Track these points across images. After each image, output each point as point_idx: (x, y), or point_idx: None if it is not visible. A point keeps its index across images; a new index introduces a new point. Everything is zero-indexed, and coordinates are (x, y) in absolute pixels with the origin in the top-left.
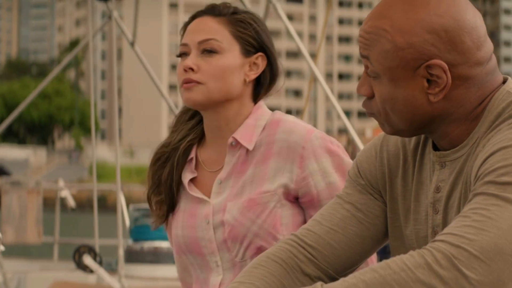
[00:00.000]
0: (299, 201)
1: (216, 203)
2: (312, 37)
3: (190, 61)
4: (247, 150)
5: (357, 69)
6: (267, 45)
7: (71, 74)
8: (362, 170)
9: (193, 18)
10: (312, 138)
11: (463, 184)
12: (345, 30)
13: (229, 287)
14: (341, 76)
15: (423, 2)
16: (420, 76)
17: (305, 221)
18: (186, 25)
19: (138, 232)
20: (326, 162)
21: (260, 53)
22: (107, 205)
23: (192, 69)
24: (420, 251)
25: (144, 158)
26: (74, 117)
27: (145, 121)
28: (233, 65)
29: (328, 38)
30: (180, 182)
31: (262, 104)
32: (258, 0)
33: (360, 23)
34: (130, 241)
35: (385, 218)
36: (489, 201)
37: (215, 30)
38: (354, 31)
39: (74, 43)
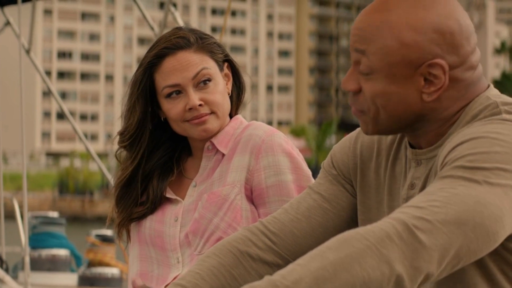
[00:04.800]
0: (252, 196)
1: (187, 203)
2: None
3: (195, 99)
4: (223, 155)
5: None
6: (228, 55)
7: None
8: (335, 160)
9: (161, 56)
10: (274, 135)
11: (433, 178)
12: (236, 40)
13: (180, 275)
14: None
15: (430, 2)
16: (419, 75)
17: None
18: (152, 64)
19: (36, 240)
20: (283, 161)
21: (225, 64)
22: None
23: (200, 105)
24: (381, 223)
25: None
26: None
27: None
28: (223, 85)
29: None
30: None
31: (240, 116)
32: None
33: (233, 31)
34: (28, 249)
35: (352, 210)
36: (457, 182)
37: (200, 60)
38: (227, 39)
39: None
